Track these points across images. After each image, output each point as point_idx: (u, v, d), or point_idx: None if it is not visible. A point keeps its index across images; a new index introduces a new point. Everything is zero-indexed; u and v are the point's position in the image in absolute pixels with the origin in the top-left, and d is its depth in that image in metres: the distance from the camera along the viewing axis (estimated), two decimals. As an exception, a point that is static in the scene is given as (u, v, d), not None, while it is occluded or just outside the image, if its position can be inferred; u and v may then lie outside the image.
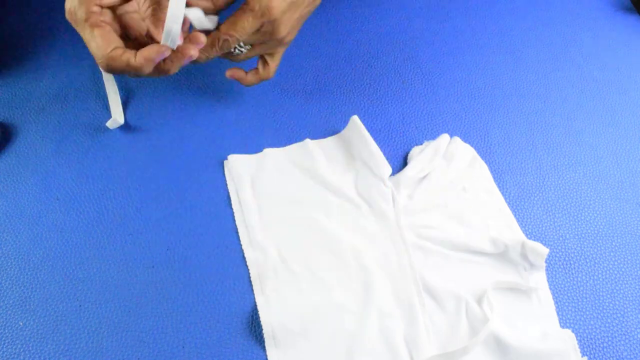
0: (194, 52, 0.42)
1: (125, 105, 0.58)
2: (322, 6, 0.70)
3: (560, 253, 0.49)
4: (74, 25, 0.41)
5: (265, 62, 0.53)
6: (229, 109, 0.58)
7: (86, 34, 0.40)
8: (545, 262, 0.47)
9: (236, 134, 0.57)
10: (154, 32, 0.43)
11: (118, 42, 0.41)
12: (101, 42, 0.40)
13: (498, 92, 0.61)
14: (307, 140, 0.55)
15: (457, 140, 0.55)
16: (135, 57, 0.40)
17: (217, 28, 0.46)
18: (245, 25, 0.45)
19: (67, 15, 0.41)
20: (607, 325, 0.46)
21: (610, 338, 0.45)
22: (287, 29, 0.47)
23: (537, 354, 0.42)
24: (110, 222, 0.50)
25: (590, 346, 0.44)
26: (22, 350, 0.43)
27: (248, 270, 0.48)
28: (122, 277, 0.47)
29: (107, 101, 0.57)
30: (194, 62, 0.46)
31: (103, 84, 0.59)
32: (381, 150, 0.53)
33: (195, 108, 0.58)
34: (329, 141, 0.56)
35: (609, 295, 0.47)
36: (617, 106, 0.60)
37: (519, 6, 0.70)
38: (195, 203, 0.51)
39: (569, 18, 0.69)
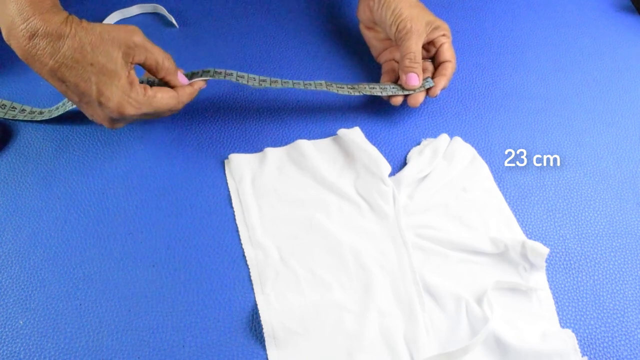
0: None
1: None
2: (323, 6, 0.70)
3: (561, 253, 0.49)
4: None
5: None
6: (229, 108, 0.59)
7: None
8: (546, 262, 0.47)
9: (237, 133, 0.57)
10: None
11: None
12: None
13: (498, 92, 0.61)
14: (304, 141, 0.55)
15: (458, 140, 0.55)
16: None
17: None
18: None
19: None
20: (607, 325, 0.45)
21: (610, 338, 0.45)
22: None
23: (537, 354, 0.42)
24: (110, 221, 0.50)
25: (591, 346, 0.44)
26: (22, 349, 0.43)
27: (248, 269, 0.48)
28: (122, 276, 0.47)
29: None
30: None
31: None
32: (381, 150, 0.53)
33: (195, 107, 0.58)
34: (328, 141, 0.56)
35: (609, 295, 0.47)
36: (617, 106, 0.60)
37: (519, 7, 0.71)
38: (195, 202, 0.51)
39: (570, 18, 0.69)
